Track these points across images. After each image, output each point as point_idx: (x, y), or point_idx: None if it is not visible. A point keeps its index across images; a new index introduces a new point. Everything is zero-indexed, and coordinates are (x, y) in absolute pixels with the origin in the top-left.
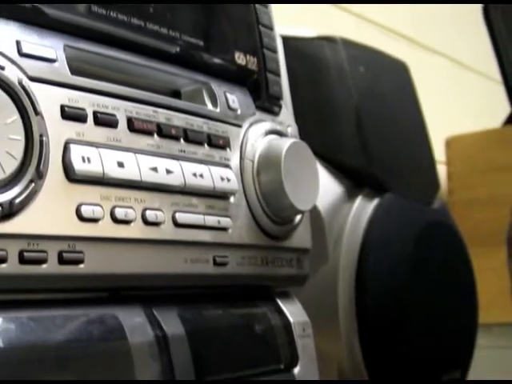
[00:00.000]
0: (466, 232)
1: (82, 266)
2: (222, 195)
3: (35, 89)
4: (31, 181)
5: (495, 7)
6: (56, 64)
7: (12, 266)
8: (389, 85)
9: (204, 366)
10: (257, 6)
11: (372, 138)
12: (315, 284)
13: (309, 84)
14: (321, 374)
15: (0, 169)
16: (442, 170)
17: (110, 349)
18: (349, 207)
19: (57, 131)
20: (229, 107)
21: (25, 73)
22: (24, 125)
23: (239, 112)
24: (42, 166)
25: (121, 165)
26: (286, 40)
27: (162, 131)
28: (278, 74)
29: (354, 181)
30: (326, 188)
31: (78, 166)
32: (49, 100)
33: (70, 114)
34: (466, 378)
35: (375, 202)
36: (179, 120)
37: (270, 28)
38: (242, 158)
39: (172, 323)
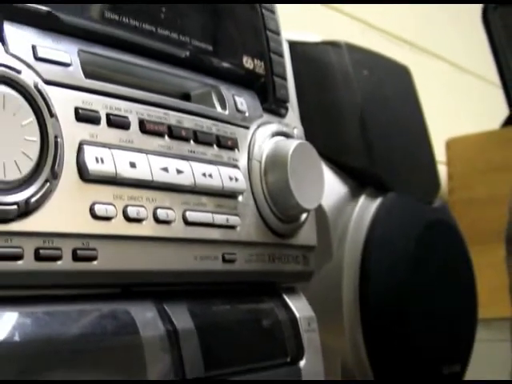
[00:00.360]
0: (466, 230)
1: (95, 262)
2: (231, 194)
3: (50, 92)
4: (46, 180)
5: (494, 12)
6: (70, 68)
7: (28, 263)
8: (391, 88)
9: (213, 359)
10: (264, 11)
11: (375, 139)
12: (320, 280)
13: (314, 87)
14: (325, 367)
15: (16, 169)
16: (442, 171)
17: (123, 342)
18: (352, 206)
19: (71, 133)
20: (237, 109)
21: (40, 76)
22: (39, 126)
23: (247, 114)
24: (56, 166)
25: (133, 165)
26: (293, 45)
27: (173, 133)
28: (284, 78)
29: (358, 181)
30: (331, 188)
31: (92, 166)
32: (63, 102)
33: (84, 116)
34: (465, 371)
35: (378, 201)
36: (189, 122)
37: (277, 33)
38: (249, 159)
39: (182, 318)
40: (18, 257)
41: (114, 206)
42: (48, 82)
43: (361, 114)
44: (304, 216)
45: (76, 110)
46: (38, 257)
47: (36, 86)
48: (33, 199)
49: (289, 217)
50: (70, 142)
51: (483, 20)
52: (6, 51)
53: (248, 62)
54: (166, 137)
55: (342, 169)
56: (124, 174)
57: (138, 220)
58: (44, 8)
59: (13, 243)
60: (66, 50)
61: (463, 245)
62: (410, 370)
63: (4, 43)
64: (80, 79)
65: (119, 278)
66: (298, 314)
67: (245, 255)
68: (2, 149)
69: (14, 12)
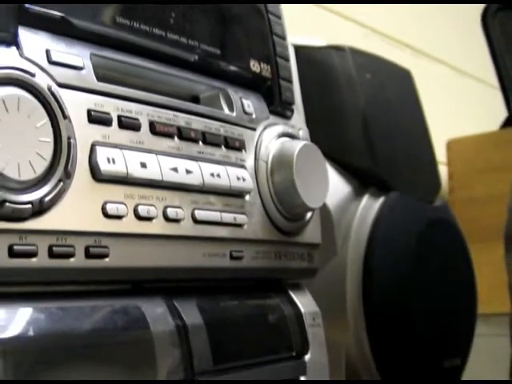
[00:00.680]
0: (466, 228)
1: (107, 259)
2: (238, 194)
3: (63, 94)
4: (60, 180)
5: (493, 18)
6: (83, 71)
7: (42, 260)
8: (394, 91)
9: (221, 353)
10: (270, 17)
11: (378, 140)
12: (325, 276)
13: (319, 90)
14: (330, 360)
15: (31, 169)
16: (443, 171)
17: (134, 337)
18: (356, 205)
19: (84, 134)
20: (244, 112)
21: (54, 79)
22: (53, 128)
23: (254, 116)
24: (69, 166)
25: (143, 165)
26: (298, 49)
27: (182, 134)
28: (290, 81)
29: (361, 180)
30: (335, 187)
31: (104, 166)
32: (76, 105)
33: (96, 118)
34: (465, 365)
35: (381, 200)
36: (198, 123)
37: (283, 38)
38: (256, 159)
39: (191, 313)
40: (33, 254)
41: (125, 204)
42: (61, 85)
43: (364, 115)
44: (309, 214)
45: (88, 111)
46: (52, 254)
47: (50, 89)
48: (47, 198)
49: (294, 215)
50: (83, 143)
51: (482, 25)
52: (21, 55)
53: (255, 66)
54: (176, 138)
55: (346, 169)
56: (135, 173)
57: (149, 218)
58: (57, 13)
59: (27, 241)
60: (78, 54)
61: (463, 242)
62: (411, 364)
63: (19, 47)
64: (92, 82)
65: (130, 274)
66: (303, 310)
67: (252, 252)
68: (16, 149)
69: (29, 17)
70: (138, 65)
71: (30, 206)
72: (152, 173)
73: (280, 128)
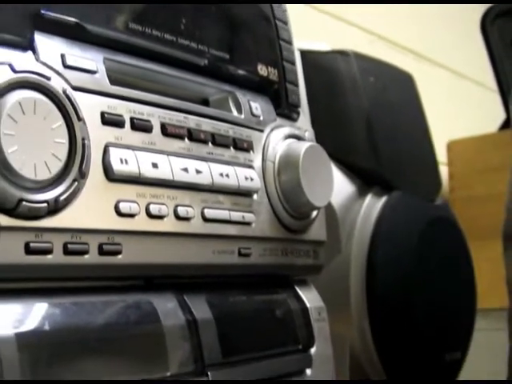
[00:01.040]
0: (466, 226)
1: (120, 256)
2: (246, 193)
3: (78, 97)
4: (74, 180)
5: (491, 24)
6: (97, 75)
7: (57, 257)
8: (396, 94)
9: (230, 346)
10: (277, 23)
11: (381, 141)
12: (330, 273)
13: (324, 93)
14: (334, 353)
15: (46, 169)
16: (443, 171)
17: (146, 331)
18: (360, 204)
19: (97, 135)
20: (252, 114)
21: (69, 83)
22: (68, 129)
23: (261, 118)
24: (84, 166)
25: (155, 166)
26: (304, 53)
27: (192, 135)
28: (296, 84)
29: (365, 180)
30: (340, 187)
31: (117, 166)
32: (90, 107)
33: (110, 120)
34: (465, 358)
35: (383, 199)
36: (207, 125)
37: (289, 43)
38: (264, 160)
39: (201, 308)
40: (48, 251)
41: (138, 203)
42: (76, 88)
43: (367, 118)
44: (314, 213)
45: (102, 114)
46: (67, 251)
47: (65, 92)
48: (62, 197)
49: (300, 214)
50: (97, 144)
51: (482, 31)
52: (37, 59)
53: (262, 70)
54: (186, 139)
55: (350, 169)
56: (147, 173)
57: (160, 217)
58: (72, 19)
59: (43, 238)
60: (92, 59)
61: (463, 240)
62: (413, 356)
63: (35, 52)
64: (105, 85)
65: (142, 270)
66: (308, 305)
67: (259, 250)
68: (33, 150)
69: (44, 23)
70: (149, 69)
71: (45, 204)
72: (163, 173)
73: (287, 130)
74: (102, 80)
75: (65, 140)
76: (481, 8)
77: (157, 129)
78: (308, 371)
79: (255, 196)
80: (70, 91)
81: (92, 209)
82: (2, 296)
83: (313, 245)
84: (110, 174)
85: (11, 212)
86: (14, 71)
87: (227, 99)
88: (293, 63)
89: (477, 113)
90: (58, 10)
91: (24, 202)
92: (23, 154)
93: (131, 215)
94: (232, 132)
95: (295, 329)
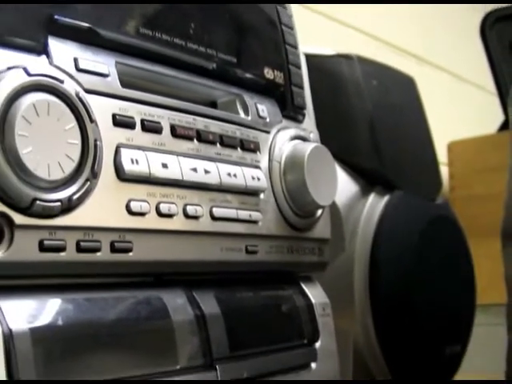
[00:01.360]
0: (466, 224)
1: (130, 254)
2: (253, 192)
3: (90, 100)
4: (87, 180)
5: (491, 29)
6: (108, 78)
7: (70, 254)
8: (398, 96)
9: (237, 341)
10: (283, 27)
11: (383, 142)
12: (334, 270)
13: (328, 95)
14: (338, 347)
15: (60, 169)
16: (444, 171)
17: (156, 326)
18: (363, 203)
19: (109, 136)
20: (259, 116)
21: (81, 86)
22: (81, 131)
23: (268, 120)
24: (96, 166)
25: (165, 166)
26: (309, 57)
27: (201, 137)
28: (301, 87)
29: (368, 180)
30: (344, 186)
31: (128, 166)
32: (102, 109)
33: (121, 122)
34: (465, 352)
35: (386, 198)
36: (216, 127)
37: (295, 47)
38: (270, 160)
39: (209, 304)
40: (62, 248)
41: (148, 202)
42: (88, 91)
43: (370, 119)
44: (319, 212)
45: (113, 116)
46: (79, 249)
47: (77, 95)
48: (75, 197)
49: (305, 212)
50: (108, 145)
51: (481, 36)
52: (51, 63)
53: (269, 73)
54: (195, 140)
55: (354, 169)
56: (157, 173)
57: (170, 215)
58: (85, 24)
59: (56, 236)
60: (104, 62)
61: (463, 238)
62: (414, 350)
63: (48, 56)
64: (117, 88)
65: (152, 267)
66: (313, 300)
67: (266, 247)
68: (46, 151)
69: (58, 27)
70: (159, 72)
71: (59, 203)
72: (173, 173)
73: (292, 131)
74: (113, 83)
75: (77, 141)
76: (480, 13)
77: (166, 130)
78: (313, 365)
79: (262, 195)
80: (82, 94)
81: (104, 208)
82: (17, 292)
83: (318, 242)
84: (121, 174)
85: (26, 211)
86: (29, 74)
87: (235, 101)
88: (298, 67)
89: (476, 115)
90: (70, 15)
91: (38, 201)
92: (37, 154)
93: (142, 214)
94: (239, 133)
95: (300, 324)
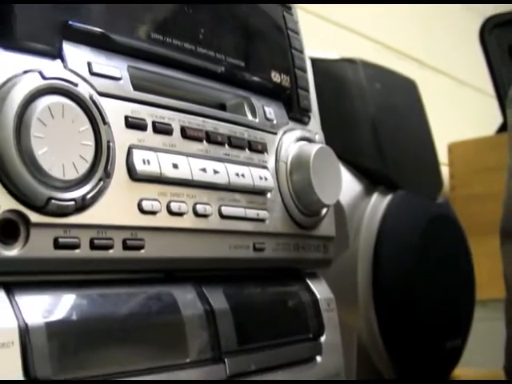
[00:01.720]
0: (466, 223)
1: (142, 251)
2: (261, 192)
3: (103, 102)
4: (100, 179)
5: (490, 34)
6: (121, 82)
7: (84, 251)
8: (400, 99)
9: (245, 335)
10: (289, 33)
11: (386, 143)
12: (338, 266)
13: (333, 98)
14: (343, 342)
15: (74, 169)
16: (444, 171)
17: (166, 321)
18: (366, 202)
19: (121, 138)
20: (266, 118)
21: (95, 89)
22: (94, 132)
23: (275, 122)
24: (109, 167)
25: (175, 166)
26: (314, 61)
27: (210, 138)
28: (307, 90)
29: (371, 180)
30: (348, 186)
31: (140, 167)
32: (115, 112)
33: (133, 124)
34: (465, 345)
35: (389, 197)
36: (224, 129)
37: (301, 51)
38: (277, 161)
39: (218, 299)
40: (76, 246)
41: (159, 201)
42: (101, 94)
43: (373, 121)
44: (324, 210)
45: (126, 118)
46: (93, 246)
47: (91, 98)
48: (88, 196)
49: (311, 211)
50: (121, 146)
51: (480, 41)
52: (65, 67)
53: (276, 77)
54: (204, 141)
55: (358, 169)
56: (168, 173)
57: (180, 214)
58: (98, 29)
59: (71, 234)
60: (117, 66)
61: (463, 235)
62: (416, 344)
63: (63, 60)
64: (129, 91)
65: (163, 264)
66: (318, 296)
67: (273, 245)
68: (61, 152)
69: (72, 33)
70: (170, 76)
71: (73, 202)
72: (183, 173)
73: (298, 132)
74: (125, 86)
75: (91, 142)
76: (480, 19)
77: (177, 132)
78: (318, 358)
79: (269, 194)
80: (96, 97)
81: (116, 206)
82: (32, 288)
83: (323, 240)
84: (133, 174)
85: (41, 209)
86: (44, 78)
87: (243, 104)
88: (304, 70)
89: (476, 117)
90: (84, 21)
91: (53, 200)
92: (52, 155)
93: (153, 212)
94: (247, 135)
95: (306, 319)
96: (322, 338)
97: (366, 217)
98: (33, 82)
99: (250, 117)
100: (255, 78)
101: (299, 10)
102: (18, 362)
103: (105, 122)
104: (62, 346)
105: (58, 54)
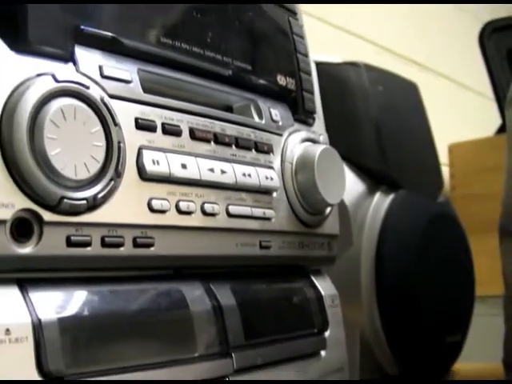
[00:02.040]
0: (466, 221)
1: (152, 248)
2: (267, 191)
3: (114, 104)
4: (111, 179)
5: (489, 39)
6: (131, 84)
7: (95, 249)
8: (402, 101)
9: (252, 330)
10: (295, 37)
11: (388, 144)
12: (342, 263)
13: (337, 101)
14: (346, 337)
15: (86, 170)
16: (445, 171)
17: (175, 316)
18: (369, 201)
19: (132, 139)
20: (272, 120)
21: (106, 91)
22: (105, 134)
23: (280, 123)
24: (119, 167)
25: (184, 166)
26: (319, 65)
27: (218, 139)
28: (312, 93)
29: (374, 180)
30: (351, 186)
31: (149, 167)
32: (125, 113)
33: (143, 125)
34: (465, 340)
35: (391, 197)
36: (231, 130)
37: (306, 55)
38: (282, 161)
39: (226, 295)
40: (87, 244)
41: (168, 201)
42: (112, 96)
43: (376, 123)
44: (328, 209)
45: (136, 119)
46: (104, 244)
47: (102, 100)
48: (99, 195)
49: (316, 210)
50: (131, 147)
51: (480, 45)
52: (77, 70)
53: (281, 80)
54: (212, 142)
55: (361, 170)
56: (176, 173)
57: (189, 213)
58: (109, 33)
59: (83, 232)
60: (127, 69)
61: (463, 234)
62: (418, 339)
63: (75, 63)
64: (139, 94)
65: (172, 261)
66: (323, 292)
67: (278, 242)
68: (73, 153)
69: (84, 37)
70: (179, 79)
71: (85, 202)
72: (191, 173)
73: (303, 134)
74: (136, 89)
75: (102, 143)
76: (479, 24)
77: (186, 133)
78: (322, 352)
79: (275, 194)
80: (107, 99)
81: (127, 205)
82: (45, 284)
83: (327, 238)
84: (143, 174)
85: (54, 208)
86: (57, 81)
87: (249, 106)
88: (309, 74)
89: (475, 119)
90: (96, 26)
91: (65, 200)
92: (65, 155)
93: (162, 211)
94: (254, 136)
95: (311, 314)
96: (327, 333)
97: (368, 215)
98: (46, 85)
99: (256, 118)
100: (261, 81)
101: (302, 13)
102: (31, 356)
103: (115, 124)
104: (74, 341)
105: (70, 58)
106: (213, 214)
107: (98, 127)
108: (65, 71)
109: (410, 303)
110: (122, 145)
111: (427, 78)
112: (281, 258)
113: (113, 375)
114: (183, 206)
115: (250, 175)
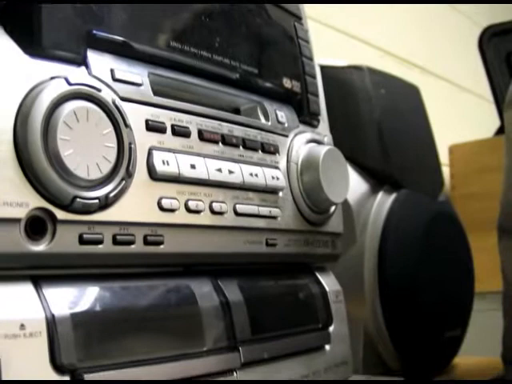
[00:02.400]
0: (465, 220)
1: (162, 246)
2: (273, 191)
3: (125, 107)
4: (122, 179)
5: (488, 43)
6: (142, 87)
7: (107, 247)
8: (404, 104)
9: (258, 325)
10: (300, 41)
11: (390, 145)
12: (346, 261)
13: (341, 103)
14: (350, 331)
15: (98, 170)
16: (445, 171)
17: (184, 311)
18: (372, 200)
19: (142, 140)
20: (278, 121)
21: (117, 94)
22: (116, 135)
23: (286, 125)
24: (130, 167)
25: (193, 167)
26: (323, 68)
27: (226, 140)
28: (317, 95)
29: (376, 179)
30: (355, 185)
31: (159, 167)
32: (136, 115)
33: (153, 127)
34: (464, 335)
35: (393, 196)
36: (239, 131)
37: (311, 59)
38: (288, 162)
39: (233, 291)
40: (99, 241)
41: (178, 200)
42: (123, 99)
43: (379, 125)
44: (333, 208)
45: (146, 121)
46: (115, 242)
47: (114, 102)
48: (111, 194)
49: (320, 209)
50: (142, 148)
51: (479, 49)
52: (89, 73)
53: (287, 83)
54: (220, 143)
55: (364, 170)
56: (186, 173)
57: (197, 211)
58: (120, 38)
59: (95, 230)
60: (138, 73)
61: (463, 232)
62: (419, 334)
63: (87, 67)
64: (150, 96)
65: (181, 258)
66: (327, 288)
67: (284, 240)
68: (86, 153)
69: (96, 41)
70: (188, 82)
71: (97, 201)
72: (200, 173)
73: (308, 135)
74: (146, 92)
75: (114, 144)
76: (479, 28)
77: (194, 134)
78: (327, 347)
79: (281, 193)
80: (118, 101)
81: (138, 204)
82: (58, 281)
83: (331, 236)
84: (153, 174)
85: (67, 207)
86: (69, 84)
87: (256, 108)
88: (314, 77)
89: (475, 120)
90: (107, 30)
91: (78, 199)
92: (77, 156)
93: (172, 210)
94: (260, 137)
95: (316, 310)
96: (331, 328)
97: (371, 214)
98: (59, 88)
99: (262, 120)
100: (268, 84)
101: (307, 19)
102: (45, 351)
103: (126, 125)
104: (86, 336)
105: (82, 62)
106: (221, 213)
107: (110, 129)
108: (77, 74)
109: (412, 299)
110: (132, 146)
111: (428, 81)
112: (286, 255)
113: (123, 369)
114: (192, 204)
115: (256, 175)
